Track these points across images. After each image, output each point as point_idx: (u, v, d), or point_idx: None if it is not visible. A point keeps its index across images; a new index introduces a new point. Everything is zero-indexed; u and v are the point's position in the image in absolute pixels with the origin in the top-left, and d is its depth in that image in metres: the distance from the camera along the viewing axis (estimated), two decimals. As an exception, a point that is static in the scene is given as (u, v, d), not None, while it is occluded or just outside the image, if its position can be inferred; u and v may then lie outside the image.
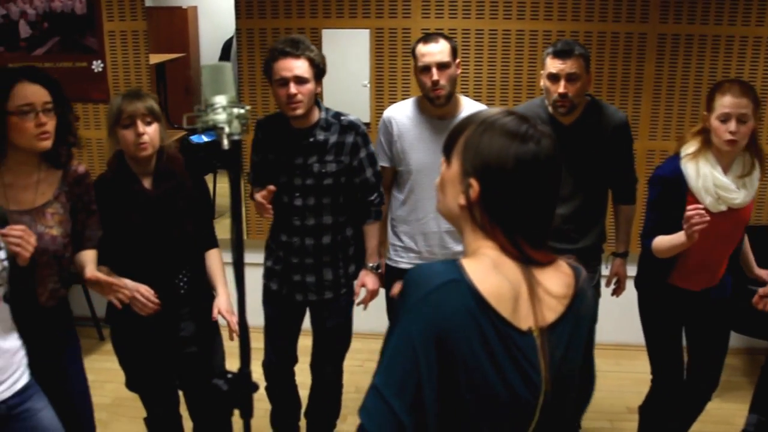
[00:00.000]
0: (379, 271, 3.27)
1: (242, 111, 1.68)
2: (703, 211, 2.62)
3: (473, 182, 1.44)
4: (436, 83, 2.99)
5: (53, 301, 2.65)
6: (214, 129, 1.70)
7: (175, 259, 2.82)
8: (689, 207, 2.66)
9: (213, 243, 3.00)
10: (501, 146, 1.41)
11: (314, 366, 3.43)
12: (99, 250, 2.73)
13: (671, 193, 2.88)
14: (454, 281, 1.38)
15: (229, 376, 1.82)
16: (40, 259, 2.53)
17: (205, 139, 5.70)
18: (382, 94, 4.29)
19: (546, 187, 1.44)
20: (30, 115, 2.43)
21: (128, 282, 2.68)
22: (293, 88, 2.85)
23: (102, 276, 2.54)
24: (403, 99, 3.64)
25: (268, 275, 3.25)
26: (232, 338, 2.75)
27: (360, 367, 4.34)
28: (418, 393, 1.37)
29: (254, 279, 3.55)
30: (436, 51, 3.00)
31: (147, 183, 2.78)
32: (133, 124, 2.67)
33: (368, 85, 4.29)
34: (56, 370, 2.74)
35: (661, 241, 2.90)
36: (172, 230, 2.78)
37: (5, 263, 2.24)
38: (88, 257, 2.67)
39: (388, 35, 4.20)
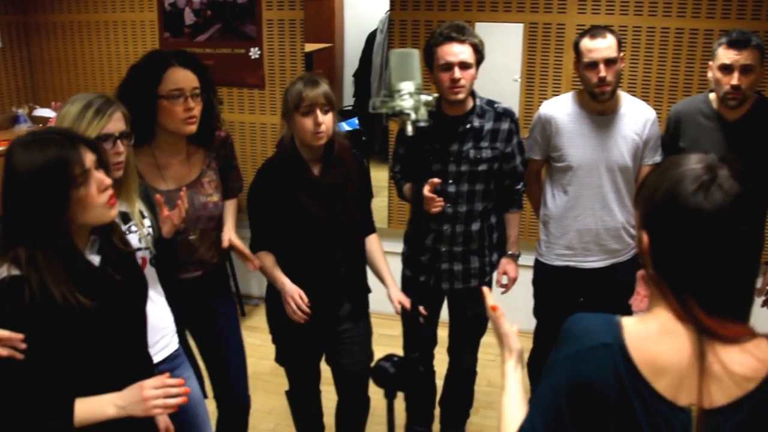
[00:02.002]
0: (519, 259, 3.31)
1: (429, 98, 1.70)
2: None
3: (643, 233, 1.34)
4: (603, 80, 2.92)
5: (214, 259, 2.82)
6: (399, 115, 1.73)
7: (339, 245, 2.85)
8: None
9: (372, 228, 3.04)
10: (668, 194, 1.29)
11: (452, 353, 3.45)
12: (264, 236, 2.85)
13: None
14: (607, 345, 1.30)
15: (395, 359, 1.86)
16: (208, 226, 2.69)
17: (346, 127, 5.82)
18: (532, 90, 4.25)
19: (718, 247, 1.26)
20: (179, 99, 2.54)
21: (287, 285, 2.77)
22: (458, 73, 2.86)
23: (238, 244, 2.71)
24: (554, 95, 3.61)
25: (414, 267, 3.27)
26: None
27: (493, 361, 4.33)
28: None
29: (396, 267, 3.60)
30: (604, 47, 2.92)
31: (316, 170, 2.81)
32: (313, 113, 2.68)
33: (519, 80, 4.26)
34: (214, 335, 2.90)
35: None
36: (338, 217, 2.82)
37: (150, 230, 2.37)
38: (229, 210, 2.84)
39: (542, 30, 4.16)
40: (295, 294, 2.75)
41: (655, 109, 3.17)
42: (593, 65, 2.94)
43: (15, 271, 1.74)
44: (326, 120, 2.70)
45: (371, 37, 6.21)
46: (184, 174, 2.70)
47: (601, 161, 3.07)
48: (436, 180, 2.86)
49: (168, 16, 4.76)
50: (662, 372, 1.28)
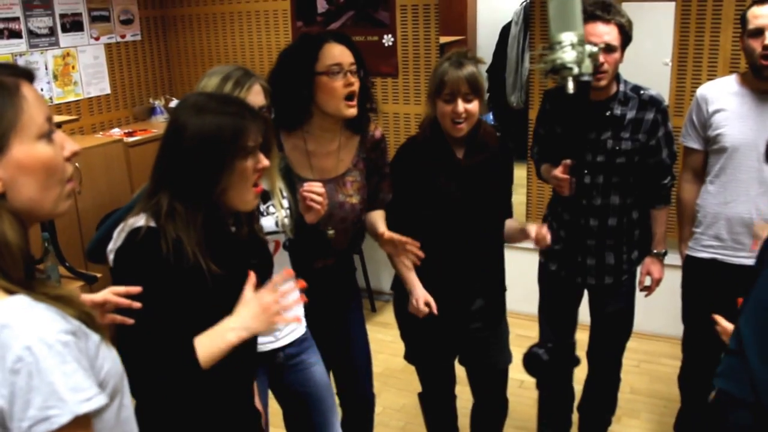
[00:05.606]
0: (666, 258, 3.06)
1: (594, 49, 1.51)
2: None
3: None
4: (767, 48, 2.63)
5: (343, 246, 2.70)
6: (560, 71, 1.54)
7: (476, 231, 2.68)
8: None
9: (509, 213, 2.85)
10: None
11: (591, 354, 3.17)
12: (399, 217, 2.69)
13: None
14: None
15: (550, 345, 1.69)
16: (339, 226, 2.57)
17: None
18: (684, 74, 3.94)
19: None
20: (339, 75, 2.44)
21: (417, 289, 2.61)
22: (601, 57, 2.62)
23: (396, 235, 2.48)
24: (709, 79, 3.33)
25: (548, 255, 3.08)
26: None
27: (636, 367, 4.07)
28: None
29: (529, 262, 3.39)
30: None
31: (459, 152, 2.64)
32: (454, 101, 2.50)
33: (669, 64, 3.97)
34: (340, 328, 2.80)
35: None
36: (477, 201, 2.64)
37: (288, 212, 2.30)
38: (378, 216, 2.66)
39: (696, 9, 3.84)
40: (421, 299, 2.58)
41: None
42: (758, 33, 2.66)
43: (153, 223, 1.69)
44: (468, 108, 2.50)
45: (505, 30, 6.01)
46: (330, 167, 2.61)
47: (760, 143, 2.76)
48: (568, 161, 2.65)
49: (301, 4, 4.72)
50: None
